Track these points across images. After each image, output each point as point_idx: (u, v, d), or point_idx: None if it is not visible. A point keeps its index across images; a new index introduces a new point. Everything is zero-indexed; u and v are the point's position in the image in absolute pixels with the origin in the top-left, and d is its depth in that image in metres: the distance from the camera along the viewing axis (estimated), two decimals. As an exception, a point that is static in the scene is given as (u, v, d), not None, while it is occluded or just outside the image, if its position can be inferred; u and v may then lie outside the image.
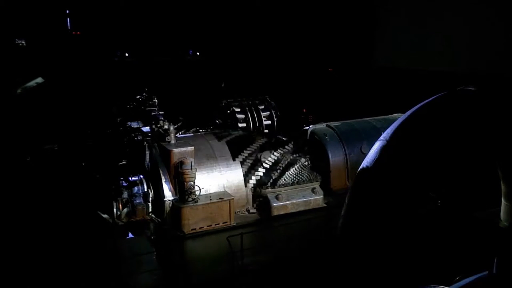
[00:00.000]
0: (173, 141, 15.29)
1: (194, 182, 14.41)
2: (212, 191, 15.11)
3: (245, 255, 11.98)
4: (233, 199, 14.82)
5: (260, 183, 15.61)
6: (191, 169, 14.32)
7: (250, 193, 15.63)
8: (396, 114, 19.15)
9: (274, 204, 15.38)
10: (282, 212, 15.41)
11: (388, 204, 9.57)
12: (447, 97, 9.86)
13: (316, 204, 15.91)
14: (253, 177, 15.62)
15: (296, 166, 16.29)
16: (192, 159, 14.55)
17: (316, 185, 16.29)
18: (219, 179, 15.39)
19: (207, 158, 15.57)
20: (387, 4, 28.51)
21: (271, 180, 15.74)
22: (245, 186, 15.49)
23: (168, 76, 35.40)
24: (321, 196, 16.07)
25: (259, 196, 15.58)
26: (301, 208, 15.65)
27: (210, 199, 14.60)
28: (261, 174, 15.72)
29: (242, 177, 15.59)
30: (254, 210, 15.57)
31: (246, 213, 15.52)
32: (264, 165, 15.84)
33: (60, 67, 34.77)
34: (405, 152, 9.69)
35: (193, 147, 14.99)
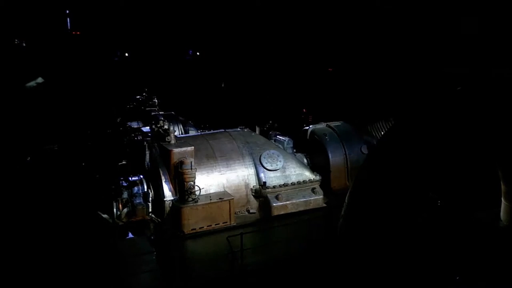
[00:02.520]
0: (173, 141, 15.29)
1: (194, 182, 14.41)
2: (212, 191, 15.11)
3: (245, 255, 11.98)
4: (233, 199, 14.81)
5: (260, 183, 15.62)
6: (191, 169, 14.32)
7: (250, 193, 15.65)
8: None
9: (274, 204, 15.38)
10: (282, 212, 15.40)
11: (388, 204, 9.58)
12: (447, 97, 9.87)
13: (316, 204, 15.90)
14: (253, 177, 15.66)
15: (296, 166, 16.28)
16: (192, 159, 14.54)
17: (316, 185, 16.28)
18: (219, 179, 15.39)
19: (207, 158, 15.57)
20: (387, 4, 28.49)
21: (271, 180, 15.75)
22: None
23: (168, 76, 35.44)
24: (321, 196, 16.06)
25: (259, 196, 15.58)
26: (301, 208, 15.64)
27: (210, 199, 14.60)
28: (262, 174, 15.72)
29: (242, 177, 15.60)
30: (254, 210, 15.57)
31: (246, 213, 15.52)
32: (265, 165, 15.84)
33: (60, 67, 34.80)
34: (405, 153, 9.70)
35: (193, 147, 14.99)
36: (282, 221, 14.62)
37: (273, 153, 16.19)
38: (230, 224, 14.58)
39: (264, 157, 15.95)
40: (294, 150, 17.48)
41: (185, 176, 14.22)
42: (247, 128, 17.62)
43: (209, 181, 15.18)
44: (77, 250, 12.83)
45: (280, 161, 16.06)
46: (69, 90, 30.40)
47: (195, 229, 14.15)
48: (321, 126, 18.26)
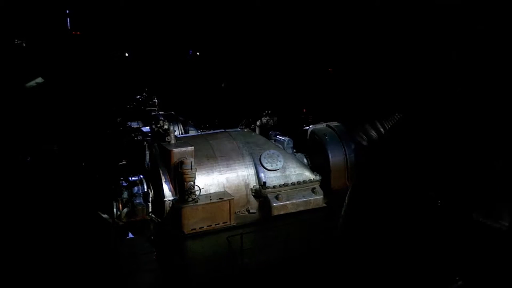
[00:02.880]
0: (173, 141, 15.30)
1: (194, 182, 14.41)
2: (212, 191, 15.11)
3: (245, 255, 11.98)
4: (233, 199, 14.82)
5: (260, 183, 15.62)
6: (191, 169, 14.32)
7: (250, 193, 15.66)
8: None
9: (274, 204, 15.38)
10: (282, 212, 15.41)
11: (388, 204, 9.59)
12: (447, 96, 9.88)
13: (316, 204, 15.90)
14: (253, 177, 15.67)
15: (296, 166, 16.29)
16: (192, 159, 14.55)
17: (316, 185, 16.28)
18: (219, 179, 15.40)
19: (207, 158, 15.57)
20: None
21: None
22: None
23: (168, 76, 35.43)
24: (321, 196, 16.07)
25: (259, 196, 15.59)
26: (301, 208, 15.64)
27: (210, 199, 14.60)
28: (262, 174, 15.73)
29: (242, 177, 15.60)
30: (254, 210, 15.58)
31: (246, 213, 15.52)
32: (265, 165, 15.85)
33: (60, 67, 34.79)
34: (405, 152, 9.71)
35: (193, 147, 14.99)
36: (282, 221, 14.63)
37: (273, 153, 16.20)
38: (230, 224, 14.59)
39: (264, 157, 15.96)
40: (294, 150, 17.49)
41: (185, 176, 14.23)
42: (247, 128, 17.63)
43: (209, 181, 15.20)
44: (77, 250, 12.83)
45: (280, 161, 16.07)
46: (69, 90, 30.40)
47: (195, 229, 14.15)
48: (321, 126, 18.26)
